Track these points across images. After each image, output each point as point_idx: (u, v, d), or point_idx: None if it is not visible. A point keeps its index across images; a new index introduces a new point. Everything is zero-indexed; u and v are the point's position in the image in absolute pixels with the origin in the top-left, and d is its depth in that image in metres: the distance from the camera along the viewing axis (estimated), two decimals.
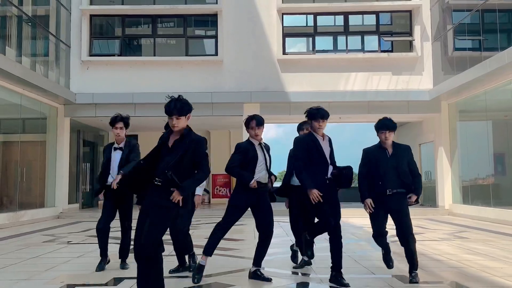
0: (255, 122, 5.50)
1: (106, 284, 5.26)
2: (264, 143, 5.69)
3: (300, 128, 6.50)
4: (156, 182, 4.08)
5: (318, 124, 5.31)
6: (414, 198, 5.24)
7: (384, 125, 5.36)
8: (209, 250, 5.30)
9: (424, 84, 16.07)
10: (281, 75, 16.23)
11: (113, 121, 6.17)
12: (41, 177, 15.35)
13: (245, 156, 5.44)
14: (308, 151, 5.24)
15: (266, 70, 16.21)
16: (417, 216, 14.24)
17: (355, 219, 13.15)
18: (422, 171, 18.11)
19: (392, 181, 5.21)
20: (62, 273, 5.85)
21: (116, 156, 6.09)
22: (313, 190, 4.99)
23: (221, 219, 5.38)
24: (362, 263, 6.41)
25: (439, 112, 16.01)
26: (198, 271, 5.24)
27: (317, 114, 5.35)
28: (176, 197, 4.00)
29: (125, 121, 6.21)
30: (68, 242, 8.99)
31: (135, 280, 5.14)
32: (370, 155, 5.43)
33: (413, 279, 5.12)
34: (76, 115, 16.18)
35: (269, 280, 5.32)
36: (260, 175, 5.39)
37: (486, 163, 14.02)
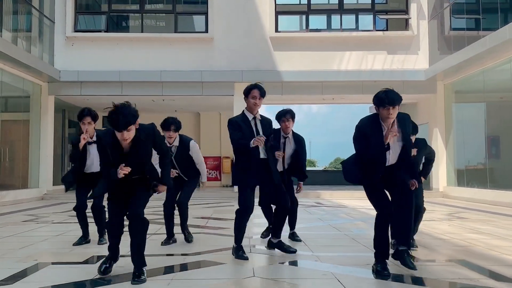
0: (258, 92, 5.09)
1: (84, 262, 4.82)
2: (263, 117, 5.23)
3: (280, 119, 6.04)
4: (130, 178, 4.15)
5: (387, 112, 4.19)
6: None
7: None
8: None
9: (420, 64, 15.67)
10: (274, 53, 15.73)
11: (80, 116, 5.69)
12: (24, 157, 14.79)
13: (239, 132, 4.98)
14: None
15: (258, 48, 15.70)
16: None
17: (347, 201, 12.83)
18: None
19: None
20: (37, 251, 5.41)
21: (92, 150, 5.70)
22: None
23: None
24: (360, 241, 6.03)
25: (434, 93, 15.64)
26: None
27: (385, 99, 4.18)
28: (162, 190, 4.40)
29: (93, 114, 5.76)
30: (52, 222, 8.52)
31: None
32: None
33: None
34: (60, 93, 15.57)
35: (294, 251, 5.17)
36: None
37: (482, 145, 13.70)
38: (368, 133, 4.25)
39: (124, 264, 4.43)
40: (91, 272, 4.30)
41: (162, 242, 5.85)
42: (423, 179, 5.72)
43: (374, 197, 4.38)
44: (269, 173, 4.95)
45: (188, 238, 6.04)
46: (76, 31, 15.84)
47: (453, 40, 14.73)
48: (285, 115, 5.97)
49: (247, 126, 5.00)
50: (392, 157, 4.30)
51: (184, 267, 4.63)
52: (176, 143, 5.92)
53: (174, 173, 5.86)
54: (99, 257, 4.97)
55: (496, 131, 13.33)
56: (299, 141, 6.02)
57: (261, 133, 5.01)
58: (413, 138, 5.32)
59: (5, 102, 14.21)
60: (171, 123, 5.83)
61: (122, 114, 3.91)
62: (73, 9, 15.85)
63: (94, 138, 5.68)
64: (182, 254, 5.22)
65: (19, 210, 10.76)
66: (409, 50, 15.76)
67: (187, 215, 6.11)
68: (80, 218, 5.89)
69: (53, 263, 4.78)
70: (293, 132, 6.06)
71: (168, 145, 5.79)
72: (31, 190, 14.46)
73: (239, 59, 15.56)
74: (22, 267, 4.56)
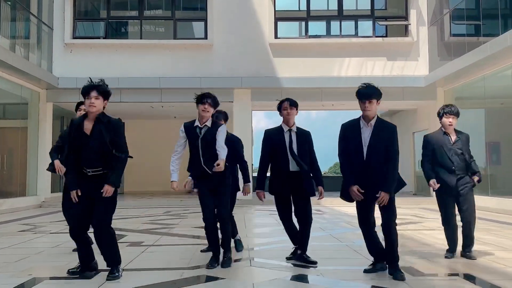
0: (288, 103, 5.35)
1: (79, 277, 4.71)
2: (300, 129, 5.36)
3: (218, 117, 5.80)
4: (89, 173, 4.40)
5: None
6: None
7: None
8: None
9: (420, 70, 15.61)
10: (273, 60, 15.66)
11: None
12: (22, 164, 14.69)
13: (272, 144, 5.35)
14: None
15: (257, 55, 15.63)
16: (411, 205, 13.86)
17: (347, 208, 12.71)
18: (416, 159, 17.72)
19: None
20: (33, 265, 5.31)
21: None
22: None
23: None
24: (362, 253, 5.93)
25: (435, 99, 15.55)
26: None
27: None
28: (108, 192, 4.34)
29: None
30: (49, 232, 8.41)
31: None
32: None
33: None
34: (59, 100, 15.49)
35: (314, 263, 5.17)
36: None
37: (483, 151, 13.61)
38: (347, 134, 4.66)
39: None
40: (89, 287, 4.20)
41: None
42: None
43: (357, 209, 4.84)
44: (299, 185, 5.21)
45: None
46: (74, 37, 15.79)
47: (453, 46, 14.68)
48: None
49: (280, 138, 5.20)
50: (372, 158, 4.51)
51: (181, 283, 4.47)
52: (209, 124, 5.15)
53: (189, 183, 5.21)
54: (96, 271, 4.86)
55: (497, 137, 13.25)
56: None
57: (295, 145, 5.20)
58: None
59: (3, 109, 14.13)
60: (207, 96, 5.20)
61: (92, 83, 4.49)
62: (72, 15, 15.80)
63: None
64: (180, 268, 5.10)
65: (16, 219, 10.66)
66: (409, 56, 15.70)
67: (230, 233, 5.32)
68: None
69: (50, 278, 4.68)
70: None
71: (199, 124, 5.13)
72: (29, 198, 14.35)
73: (238, 65, 15.50)
74: (16, 282, 4.45)
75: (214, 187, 5.05)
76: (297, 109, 5.41)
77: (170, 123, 20.19)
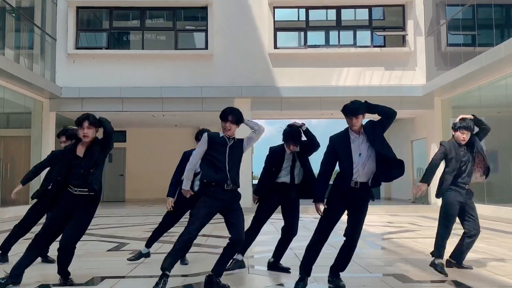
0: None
1: (85, 284, 4.92)
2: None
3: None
4: (76, 192, 4.80)
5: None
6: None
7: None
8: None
9: (417, 80, 15.86)
10: (273, 69, 15.93)
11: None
12: (25, 173, 14.85)
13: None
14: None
15: (257, 65, 15.90)
16: (409, 213, 14.06)
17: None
18: (414, 168, 17.93)
19: None
20: (40, 272, 5.51)
21: None
22: None
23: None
24: (357, 261, 6.13)
25: (432, 108, 15.81)
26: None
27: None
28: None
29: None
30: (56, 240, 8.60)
31: (116, 280, 4.89)
32: None
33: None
34: (62, 109, 15.75)
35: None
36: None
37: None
38: (336, 146, 4.65)
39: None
40: None
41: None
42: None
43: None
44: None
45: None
46: (77, 48, 16.07)
47: (450, 56, 14.93)
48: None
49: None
50: (364, 171, 4.52)
51: None
52: (235, 137, 4.99)
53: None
54: (102, 278, 5.07)
55: (494, 146, 13.45)
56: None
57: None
58: None
59: (7, 119, 14.36)
60: (228, 113, 4.87)
61: (85, 114, 4.91)
62: (75, 26, 16.09)
63: None
64: (182, 275, 5.31)
65: None
66: (407, 66, 15.96)
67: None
68: None
69: (53, 285, 4.88)
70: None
71: (227, 136, 4.90)
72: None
73: (238, 75, 15.76)
74: None
75: (228, 200, 4.79)
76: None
77: (171, 131, 20.51)
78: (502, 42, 11.31)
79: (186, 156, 5.62)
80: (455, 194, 5.48)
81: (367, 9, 16.56)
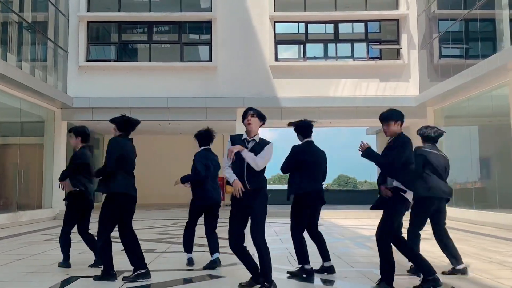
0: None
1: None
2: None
3: None
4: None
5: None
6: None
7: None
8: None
9: (411, 91, 16.67)
10: (273, 81, 16.76)
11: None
12: (38, 179, 15.76)
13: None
14: None
15: (259, 76, 16.74)
16: (407, 217, 14.72)
17: (341, 220, 13.68)
18: None
19: None
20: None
21: None
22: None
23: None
24: (343, 259, 6.91)
25: (425, 118, 16.57)
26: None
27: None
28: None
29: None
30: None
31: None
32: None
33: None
34: (73, 118, 16.59)
35: None
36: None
37: (470, 167, 14.58)
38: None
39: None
40: (115, 283, 5.21)
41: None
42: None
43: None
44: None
45: None
46: (88, 60, 16.96)
47: (441, 69, 15.73)
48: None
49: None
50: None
51: (190, 280, 5.51)
52: (257, 138, 5.01)
53: (238, 188, 4.81)
54: (118, 272, 5.85)
55: (485, 154, 14.15)
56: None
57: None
58: None
59: (21, 127, 15.20)
60: (248, 109, 5.08)
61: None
62: (86, 40, 16.99)
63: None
64: (190, 270, 6.09)
65: (37, 230, 11.68)
66: (401, 78, 16.77)
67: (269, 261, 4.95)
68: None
69: (82, 277, 5.68)
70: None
71: (247, 138, 5.01)
72: (45, 210, 15.39)
73: (241, 86, 16.61)
74: (58, 279, 5.49)
75: (249, 204, 4.85)
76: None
77: (176, 138, 21.31)
78: (489, 55, 12.09)
79: (196, 157, 6.83)
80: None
81: (363, 24, 17.42)
